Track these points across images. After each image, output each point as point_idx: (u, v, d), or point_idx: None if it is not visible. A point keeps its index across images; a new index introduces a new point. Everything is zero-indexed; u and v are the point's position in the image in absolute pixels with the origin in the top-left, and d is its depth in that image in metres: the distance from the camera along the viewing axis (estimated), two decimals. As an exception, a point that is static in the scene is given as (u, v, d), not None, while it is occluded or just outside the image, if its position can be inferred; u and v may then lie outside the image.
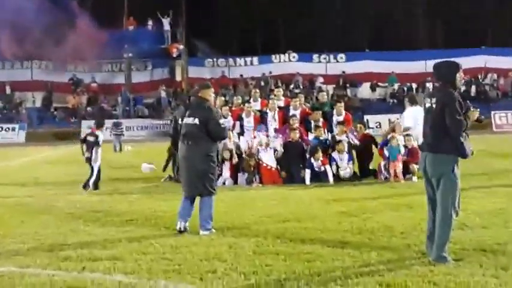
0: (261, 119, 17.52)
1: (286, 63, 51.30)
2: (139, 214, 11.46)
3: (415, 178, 15.70)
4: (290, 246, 8.45)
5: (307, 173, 15.93)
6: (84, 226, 10.45)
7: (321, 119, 17.23)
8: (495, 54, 49.07)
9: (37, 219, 11.32)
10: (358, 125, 17.99)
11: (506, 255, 7.53)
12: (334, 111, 17.43)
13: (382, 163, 16.15)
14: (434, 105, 7.36)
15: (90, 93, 48.97)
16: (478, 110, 7.63)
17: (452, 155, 7.27)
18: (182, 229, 9.58)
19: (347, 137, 16.66)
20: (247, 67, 51.51)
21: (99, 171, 15.88)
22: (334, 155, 16.33)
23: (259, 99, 18.70)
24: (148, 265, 7.67)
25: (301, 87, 47.53)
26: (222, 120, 9.83)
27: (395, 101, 46.62)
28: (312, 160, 16.02)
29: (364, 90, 48.91)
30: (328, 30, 57.26)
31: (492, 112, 41.79)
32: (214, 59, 51.82)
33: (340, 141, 16.40)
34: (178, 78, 50.17)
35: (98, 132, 16.02)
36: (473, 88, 47.23)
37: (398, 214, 10.80)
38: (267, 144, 16.36)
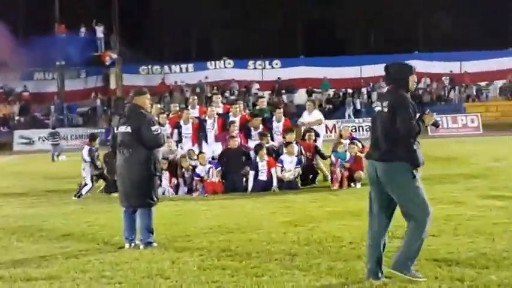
0: (200, 126, 17.12)
1: (221, 70, 50.98)
2: (75, 228, 10.94)
3: (358, 185, 15.51)
4: (236, 260, 8.07)
5: (251, 175, 15.58)
6: (17, 242, 9.88)
7: (261, 126, 16.93)
8: (428, 59, 49.56)
9: (-36, 236, 10.65)
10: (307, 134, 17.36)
11: (460, 265, 7.31)
12: (274, 118, 17.14)
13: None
14: (385, 109, 6.93)
15: (22, 102, 47.67)
16: (434, 113, 7.25)
17: (407, 163, 6.84)
18: (131, 247, 9.14)
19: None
20: (183, 74, 50.97)
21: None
22: (283, 157, 15.96)
23: (198, 106, 18.30)
24: (87, 284, 7.23)
25: (237, 93, 47.28)
26: (155, 127, 9.28)
27: (331, 106, 46.78)
28: (257, 159, 15.66)
29: (300, 96, 48.82)
30: (263, 36, 57.20)
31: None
32: (149, 66, 51.12)
33: (290, 143, 16.05)
34: (113, 86, 49.22)
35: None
36: (407, 93, 47.66)
37: (345, 223, 10.52)
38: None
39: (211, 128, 16.99)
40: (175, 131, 17.13)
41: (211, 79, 49.57)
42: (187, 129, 17.09)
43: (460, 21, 55.12)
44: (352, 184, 15.63)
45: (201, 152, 16.17)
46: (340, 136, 16.55)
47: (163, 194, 15.19)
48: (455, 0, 54.62)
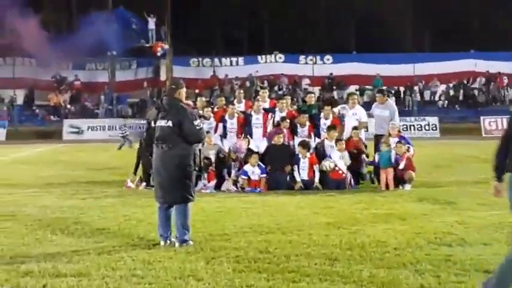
0: (245, 121, 16.76)
1: (272, 64, 50.61)
2: (111, 222, 10.66)
3: (408, 186, 14.97)
4: (274, 263, 7.69)
5: (296, 169, 15.27)
6: (51, 235, 9.63)
7: (308, 123, 16.49)
8: (484, 58, 48.46)
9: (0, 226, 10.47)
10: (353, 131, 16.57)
11: None
12: (322, 115, 16.65)
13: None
14: None
15: (73, 91, 47.99)
16: None
17: None
18: (167, 245, 8.83)
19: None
20: (233, 67, 50.72)
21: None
22: (333, 153, 15.49)
23: (244, 101, 17.93)
24: (117, 283, 6.94)
25: (286, 88, 46.83)
26: (197, 122, 8.99)
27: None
28: (300, 155, 15.29)
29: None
30: (315, 31, 56.58)
31: (481, 117, 41.21)
32: (200, 59, 51.01)
33: (339, 140, 15.65)
34: (163, 77, 49.21)
35: None
36: (461, 92, 46.79)
37: (391, 227, 10.03)
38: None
39: (258, 123, 16.62)
40: (220, 125, 16.79)
41: (261, 73, 49.16)
42: (232, 124, 16.75)
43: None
44: (400, 186, 15.04)
45: (254, 152, 15.72)
46: (388, 134, 15.90)
47: (201, 190, 14.84)
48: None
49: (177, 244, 8.72)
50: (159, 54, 46.15)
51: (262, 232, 9.71)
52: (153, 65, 50.32)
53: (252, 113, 16.78)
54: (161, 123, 8.94)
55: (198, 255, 8.13)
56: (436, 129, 41.02)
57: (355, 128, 16.35)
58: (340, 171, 15.32)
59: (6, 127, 42.70)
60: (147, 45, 45.90)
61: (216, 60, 51.12)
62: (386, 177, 15.13)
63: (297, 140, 16.14)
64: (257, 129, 16.60)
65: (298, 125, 16.49)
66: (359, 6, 56.00)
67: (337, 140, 15.59)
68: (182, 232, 8.82)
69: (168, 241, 8.86)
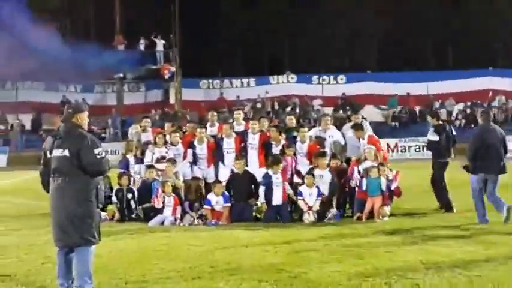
0: (216, 146, 15.52)
1: (284, 85, 49.17)
2: (27, 266, 9.48)
3: (385, 219, 13.65)
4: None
5: (261, 190, 13.97)
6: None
7: (283, 141, 15.21)
8: (503, 76, 46.74)
9: None
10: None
11: None
12: (298, 138, 15.34)
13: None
14: None
15: (79, 115, 47.02)
16: None
17: None
18: None
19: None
20: (244, 88, 49.45)
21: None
22: (302, 188, 14.13)
23: (217, 124, 16.66)
24: None
25: (298, 109, 45.54)
26: (98, 150, 7.71)
27: (397, 124, 44.41)
28: (270, 172, 14.00)
29: (366, 113, 46.52)
30: (328, 50, 55.36)
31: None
32: (210, 80, 49.83)
33: (311, 174, 14.25)
34: (172, 100, 48.09)
35: None
36: (479, 111, 45.03)
37: (341, 269, 8.72)
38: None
39: (229, 148, 15.36)
40: (189, 151, 15.57)
41: (272, 94, 47.84)
42: (201, 150, 15.54)
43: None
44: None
45: (217, 181, 14.50)
46: (364, 158, 14.49)
47: (162, 224, 13.67)
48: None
49: (77, 294, 7.48)
50: (166, 77, 45.06)
51: (188, 278, 8.43)
52: (162, 88, 49.26)
53: (223, 136, 15.53)
54: (56, 153, 7.70)
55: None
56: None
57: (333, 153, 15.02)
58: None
59: (7, 152, 41.76)
60: (155, 67, 44.88)
61: (227, 81, 49.89)
62: (373, 206, 13.77)
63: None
64: (229, 154, 15.33)
65: (274, 143, 15.17)
66: (374, 23, 54.81)
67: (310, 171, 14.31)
68: (83, 281, 7.56)
69: (68, 290, 7.62)
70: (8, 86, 48.13)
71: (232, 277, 8.41)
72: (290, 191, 14.30)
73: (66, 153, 7.59)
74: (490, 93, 45.94)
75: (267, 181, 13.98)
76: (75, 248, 7.63)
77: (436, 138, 15.06)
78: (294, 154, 14.97)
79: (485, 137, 12.85)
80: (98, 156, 7.67)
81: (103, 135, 44.84)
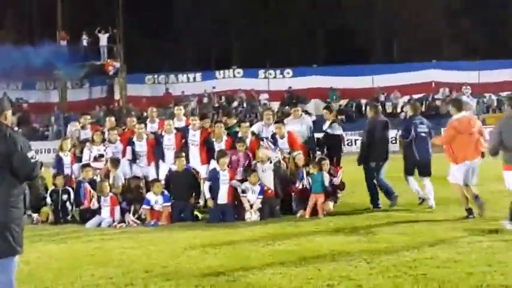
0: (157, 143, 15.02)
1: (230, 79, 48.69)
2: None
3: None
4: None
5: (206, 186, 13.57)
6: None
7: (225, 137, 14.80)
8: (447, 68, 47.00)
9: None
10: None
11: None
12: (240, 134, 14.94)
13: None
14: None
15: (20, 113, 45.74)
16: None
17: None
18: None
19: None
20: (190, 83, 48.81)
21: None
22: (246, 185, 13.70)
23: (157, 120, 16.17)
24: None
25: (245, 104, 45.17)
26: (32, 153, 6.88)
27: (343, 117, 44.26)
28: (217, 167, 13.55)
29: (311, 107, 46.28)
30: (275, 44, 55.09)
31: (442, 129, 39.44)
32: (155, 76, 49.04)
33: (254, 170, 13.84)
34: (116, 96, 47.18)
35: None
36: (424, 103, 45.31)
37: (282, 271, 8.35)
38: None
39: (169, 144, 14.89)
40: (129, 148, 15.04)
41: (218, 89, 47.34)
42: (141, 147, 15.04)
43: (482, 30, 52.65)
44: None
45: (156, 180, 14.00)
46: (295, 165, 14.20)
47: (99, 225, 13.11)
48: (476, 8, 52.04)
49: (-3, 309, 6.90)
50: (111, 73, 44.17)
51: (120, 285, 7.96)
52: (106, 83, 48.27)
53: (163, 133, 15.03)
54: (-19, 155, 7.01)
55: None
56: (396, 143, 39.20)
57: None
58: (269, 190, 13.77)
59: None
60: (98, 63, 43.88)
61: (172, 76, 49.15)
62: (316, 202, 13.43)
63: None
64: (169, 151, 14.85)
65: (214, 141, 14.74)
66: (323, 18, 54.81)
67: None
68: (5, 293, 6.98)
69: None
70: None
71: (167, 282, 7.97)
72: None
73: (-7, 155, 6.93)
74: (433, 85, 46.21)
75: (214, 177, 13.55)
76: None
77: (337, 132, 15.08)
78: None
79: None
80: (32, 160, 6.92)
81: (46, 133, 43.71)
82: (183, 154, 14.19)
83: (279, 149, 14.30)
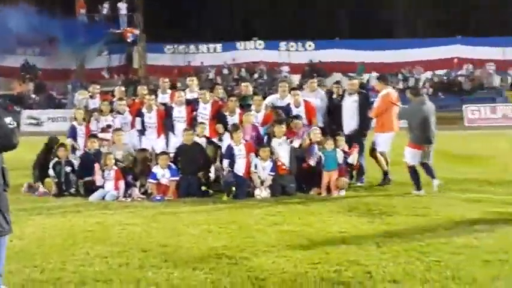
0: (166, 115, 14.50)
1: (251, 51, 48.02)
2: None
3: (342, 192, 12.84)
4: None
5: (225, 163, 13.11)
6: None
7: (238, 110, 14.29)
8: (472, 44, 46.00)
9: None
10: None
11: None
12: (253, 106, 14.39)
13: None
14: None
15: (37, 81, 45.39)
16: None
17: None
18: None
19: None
20: (210, 54, 48.21)
21: None
22: (256, 161, 13.15)
23: (169, 91, 15.57)
24: None
25: (266, 76, 44.55)
26: (10, 119, 6.25)
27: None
28: (232, 143, 13.09)
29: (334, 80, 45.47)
30: (297, 16, 54.16)
31: (464, 106, 38.67)
32: (175, 46, 48.43)
33: (265, 145, 13.33)
34: (135, 65, 46.66)
35: None
36: (445, 79, 44.55)
37: (288, 254, 7.78)
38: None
39: (180, 116, 14.36)
40: (138, 119, 14.54)
41: (238, 60, 46.71)
42: (150, 118, 14.51)
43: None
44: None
45: (163, 152, 13.51)
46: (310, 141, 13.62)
47: (103, 198, 12.63)
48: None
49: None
50: (129, 40, 43.59)
51: (114, 265, 7.48)
52: (125, 52, 47.71)
53: (174, 105, 14.50)
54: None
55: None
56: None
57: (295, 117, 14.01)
58: (283, 165, 13.26)
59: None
60: (117, 31, 43.30)
61: (192, 46, 48.55)
62: (329, 180, 12.89)
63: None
64: (179, 123, 14.33)
65: (228, 114, 14.23)
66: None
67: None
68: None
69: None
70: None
71: (164, 264, 7.47)
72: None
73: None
74: (456, 61, 45.33)
75: (229, 153, 13.11)
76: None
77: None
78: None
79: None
80: (11, 126, 6.25)
81: (63, 100, 43.29)
82: (194, 127, 13.66)
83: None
